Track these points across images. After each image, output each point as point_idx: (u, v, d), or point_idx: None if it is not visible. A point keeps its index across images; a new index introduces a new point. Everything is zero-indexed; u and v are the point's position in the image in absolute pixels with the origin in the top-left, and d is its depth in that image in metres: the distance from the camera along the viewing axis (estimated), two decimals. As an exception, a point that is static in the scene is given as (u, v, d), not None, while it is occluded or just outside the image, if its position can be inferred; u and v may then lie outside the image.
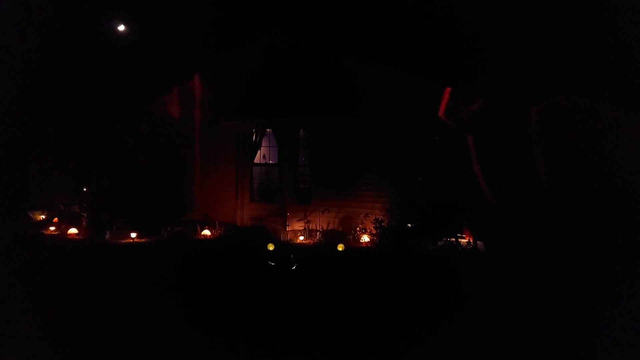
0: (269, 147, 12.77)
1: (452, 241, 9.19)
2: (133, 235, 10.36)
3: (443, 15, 13.55)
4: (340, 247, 9.25)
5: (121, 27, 15.94)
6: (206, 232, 10.73)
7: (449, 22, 13.31)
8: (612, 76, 9.87)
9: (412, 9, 13.87)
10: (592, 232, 7.93)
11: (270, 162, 12.76)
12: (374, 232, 9.92)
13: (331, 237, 10.35)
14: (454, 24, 13.21)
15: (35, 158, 14.68)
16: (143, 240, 10.34)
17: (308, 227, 10.71)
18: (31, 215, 12.86)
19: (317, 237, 10.45)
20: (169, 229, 10.68)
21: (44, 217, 12.83)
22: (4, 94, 14.91)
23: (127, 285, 7.12)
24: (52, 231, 11.21)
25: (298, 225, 10.89)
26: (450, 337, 5.25)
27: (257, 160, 12.19)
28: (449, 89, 10.41)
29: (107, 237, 10.39)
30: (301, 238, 10.44)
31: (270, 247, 9.08)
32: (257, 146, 12.00)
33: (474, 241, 9.26)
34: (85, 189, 13.58)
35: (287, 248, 9.43)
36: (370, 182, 10.83)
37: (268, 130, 12.13)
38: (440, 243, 9.23)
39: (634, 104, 9.17)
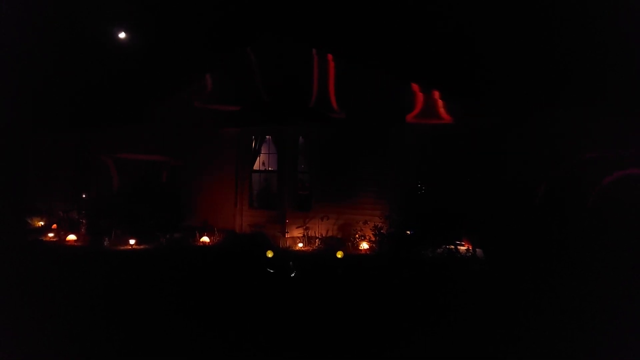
0: (269, 153, 12.79)
1: (451, 248, 9.17)
2: (132, 241, 10.35)
3: (444, 21, 13.63)
4: (339, 254, 9.24)
5: (121, 34, 16.02)
6: (205, 238, 10.73)
7: (450, 28, 13.39)
8: (612, 82, 9.95)
9: (414, 15, 13.96)
10: (589, 238, 7.94)
11: (270, 168, 12.77)
12: (373, 239, 9.92)
13: (330, 244, 10.35)
14: (455, 30, 13.28)
15: (34, 164, 14.68)
16: (142, 247, 10.33)
17: (307, 234, 10.70)
18: (30, 221, 12.85)
19: (316, 244, 10.44)
20: (167, 235, 10.67)
21: (42, 223, 12.82)
22: (4, 98, 14.94)
23: (125, 293, 7.10)
24: (51, 238, 11.20)
25: (297, 232, 10.88)
26: (449, 343, 5.24)
27: (256, 167, 12.21)
28: (449, 95, 10.46)
29: (105, 243, 10.38)
30: (300, 245, 10.43)
31: (269, 254, 9.07)
32: (257, 153, 12.02)
33: (473, 249, 9.25)
34: (84, 195, 13.58)
35: (286, 255, 9.42)
36: (369, 189, 10.84)
37: (267, 137, 12.15)
38: (439, 250, 9.21)
39: (634, 110, 9.20)
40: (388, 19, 14.32)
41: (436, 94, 10.34)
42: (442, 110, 10.30)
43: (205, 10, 16.21)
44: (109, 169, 12.92)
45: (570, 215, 8.39)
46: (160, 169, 12.64)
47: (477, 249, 9.23)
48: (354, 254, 9.73)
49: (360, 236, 10.28)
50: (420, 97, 10.44)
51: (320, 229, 10.91)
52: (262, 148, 12.21)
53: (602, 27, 10.93)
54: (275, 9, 14.79)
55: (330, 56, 11.27)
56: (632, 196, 8.35)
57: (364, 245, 10.06)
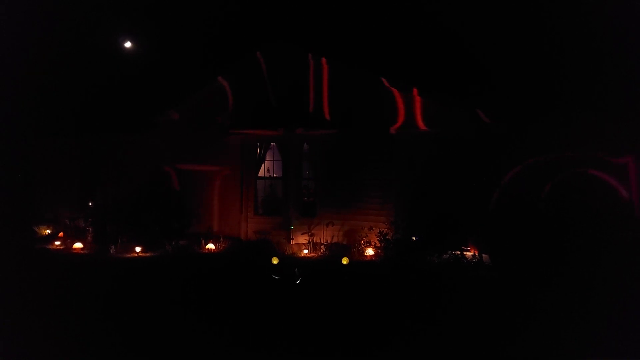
0: (273, 160, 12.82)
1: (457, 254, 9.14)
2: (138, 249, 10.37)
3: (447, 28, 13.65)
4: (344, 261, 9.22)
5: (127, 42, 16.16)
6: (210, 245, 10.74)
7: (453, 35, 13.40)
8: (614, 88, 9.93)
9: (420, 24, 14.00)
10: (594, 243, 7.88)
11: (275, 175, 12.80)
12: (379, 245, 9.89)
13: (335, 250, 10.33)
14: (457, 36, 13.29)
15: (40, 171, 14.77)
16: (148, 254, 10.35)
17: (312, 240, 10.69)
18: (37, 230, 12.90)
19: (322, 251, 10.42)
20: (173, 242, 10.69)
21: (49, 231, 12.87)
22: (9, 105, 15.08)
23: (132, 300, 7.11)
24: (57, 246, 11.24)
25: (302, 239, 10.87)
26: (455, 350, 5.21)
27: (261, 173, 12.23)
28: (451, 101, 10.45)
29: (112, 251, 10.42)
30: (305, 251, 10.41)
31: (275, 260, 9.07)
32: (262, 160, 12.05)
33: (480, 254, 9.21)
34: (90, 203, 13.62)
35: (292, 262, 9.41)
36: (374, 194, 10.82)
37: (272, 143, 12.18)
38: (445, 256, 9.18)
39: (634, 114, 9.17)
40: (394, 26, 14.37)
41: (441, 100, 10.33)
42: (447, 116, 10.29)
43: (210, 20, 16.35)
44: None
45: (573, 219, 8.33)
46: (166, 175, 12.66)
47: (483, 255, 9.18)
48: (359, 260, 9.70)
49: (365, 242, 10.25)
50: (424, 103, 10.44)
51: (326, 235, 10.90)
52: (267, 155, 12.25)
53: (599, 30, 10.95)
54: (279, 16, 14.89)
55: (335, 63, 11.30)
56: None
57: (370, 252, 10.03)
